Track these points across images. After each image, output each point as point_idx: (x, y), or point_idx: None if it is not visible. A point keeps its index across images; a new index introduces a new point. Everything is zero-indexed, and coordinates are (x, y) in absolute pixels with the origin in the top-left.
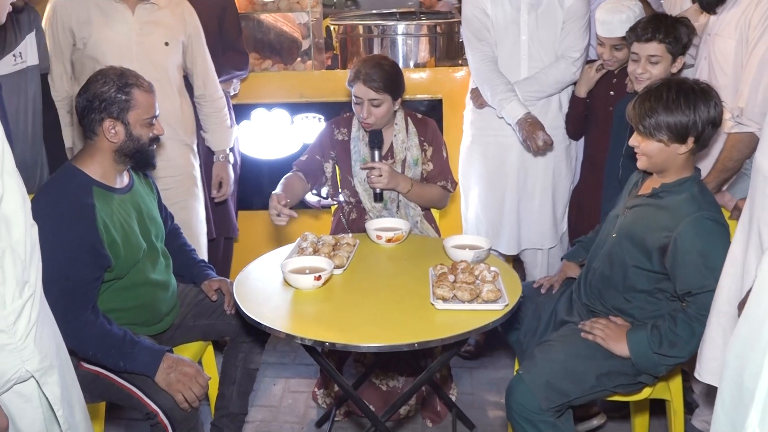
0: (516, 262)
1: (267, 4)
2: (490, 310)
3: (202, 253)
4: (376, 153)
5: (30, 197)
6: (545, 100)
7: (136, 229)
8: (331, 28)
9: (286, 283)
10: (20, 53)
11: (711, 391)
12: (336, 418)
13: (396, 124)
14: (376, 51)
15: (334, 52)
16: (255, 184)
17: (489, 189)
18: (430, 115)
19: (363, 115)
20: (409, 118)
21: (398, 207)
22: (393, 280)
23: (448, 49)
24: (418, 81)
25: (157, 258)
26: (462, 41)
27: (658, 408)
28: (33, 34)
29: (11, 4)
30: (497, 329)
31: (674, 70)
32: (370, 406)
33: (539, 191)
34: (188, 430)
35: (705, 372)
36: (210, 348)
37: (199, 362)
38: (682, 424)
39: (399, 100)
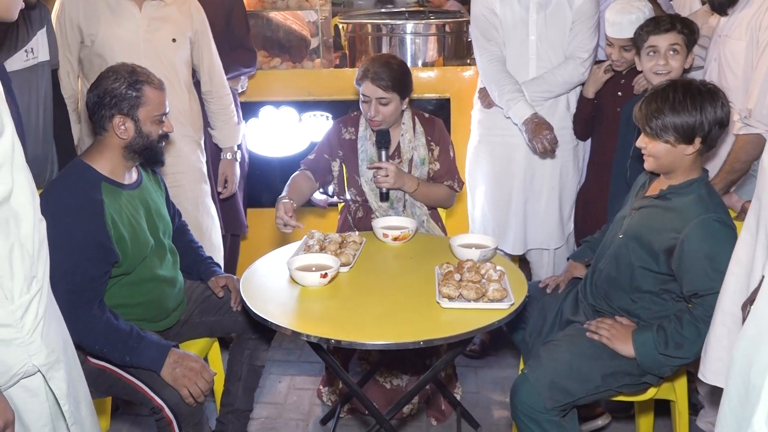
0: (522, 262)
1: (276, 2)
2: (495, 309)
3: (217, 249)
4: (383, 153)
5: (39, 192)
6: (553, 101)
7: (144, 226)
8: (340, 26)
9: (293, 280)
10: (32, 49)
11: (716, 392)
12: (341, 416)
13: (403, 123)
14: (385, 50)
15: (343, 50)
16: (262, 182)
17: (496, 188)
18: (437, 115)
19: (370, 114)
20: (416, 117)
21: (404, 206)
22: (399, 279)
23: (457, 49)
24: (426, 80)
25: (165, 254)
26: (470, 41)
27: (663, 409)
28: (44, 30)
29: (23, 0)
30: (502, 328)
31: (686, 65)
32: (374, 404)
33: (546, 191)
34: (193, 425)
35: (709, 372)
36: (216, 344)
37: (205, 359)
38: (686, 425)
39: (407, 99)
